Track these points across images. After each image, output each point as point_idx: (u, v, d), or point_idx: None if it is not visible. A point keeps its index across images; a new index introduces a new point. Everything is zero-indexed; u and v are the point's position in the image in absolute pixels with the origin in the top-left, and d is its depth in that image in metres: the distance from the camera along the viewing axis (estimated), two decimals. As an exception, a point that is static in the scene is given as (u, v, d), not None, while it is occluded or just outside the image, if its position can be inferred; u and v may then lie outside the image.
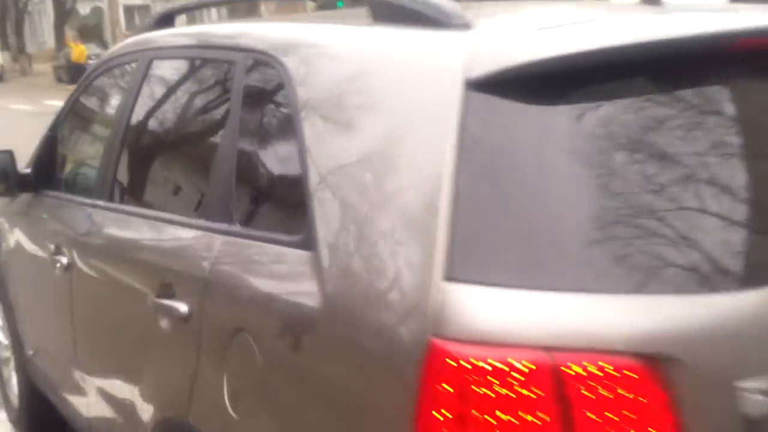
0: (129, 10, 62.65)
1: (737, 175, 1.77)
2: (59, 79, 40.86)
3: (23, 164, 3.96)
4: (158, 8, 38.69)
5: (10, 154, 3.74)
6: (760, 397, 1.56)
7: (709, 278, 1.66)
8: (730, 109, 1.84)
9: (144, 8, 58.85)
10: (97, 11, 60.54)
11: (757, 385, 1.56)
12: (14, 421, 4.56)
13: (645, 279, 1.61)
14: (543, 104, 1.69)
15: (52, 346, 3.76)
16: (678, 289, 1.61)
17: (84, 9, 57.91)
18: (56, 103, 26.59)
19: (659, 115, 1.76)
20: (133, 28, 59.80)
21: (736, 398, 1.56)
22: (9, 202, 4.24)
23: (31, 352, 4.09)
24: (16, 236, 4.15)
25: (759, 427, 1.57)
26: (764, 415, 1.56)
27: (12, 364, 4.48)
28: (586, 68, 1.71)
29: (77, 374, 3.37)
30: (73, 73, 35.61)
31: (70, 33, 44.45)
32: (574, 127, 1.68)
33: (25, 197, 3.98)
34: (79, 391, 3.40)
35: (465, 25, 1.85)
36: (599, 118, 1.71)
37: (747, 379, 1.57)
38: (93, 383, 3.24)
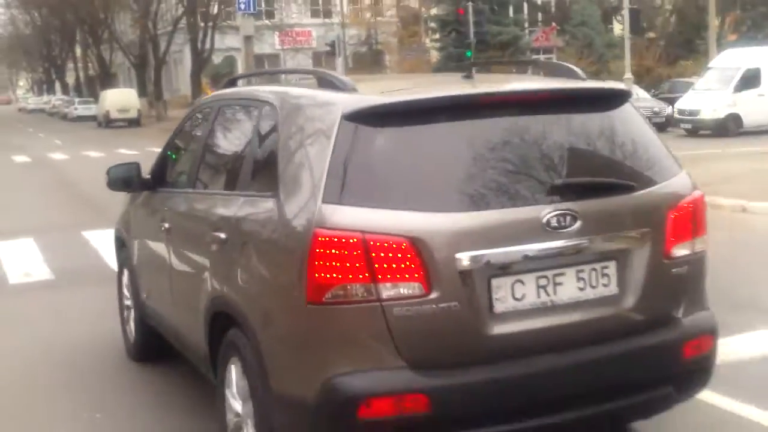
0: (259, 59, 64.79)
1: (490, 159, 3.75)
2: (193, 125, 42.44)
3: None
4: (287, 58, 39.94)
5: (137, 165, 6.11)
6: (466, 261, 3.54)
7: (451, 205, 3.60)
8: (482, 125, 3.86)
9: (274, 56, 60.67)
10: (229, 60, 62.77)
11: (464, 255, 3.53)
12: (131, 353, 6.78)
13: (410, 201, 3.56)
14: (375, 124, 3.69)
15: (156, 286, 5.95)
16: (428, 208, 3.55)
17: (217, 58, 60.12)
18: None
19: (446, 128, 3.79)
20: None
21: (454, 260, 3.53)
22: (133, 197, 6.54)
23: (144, 296, 6.28)
24: (138, 218, 6.41)
25: (465, 275, 3.53)
26: (466, 268, 3.53)
27: (132, 311, 6.66)
28: (397, 109, 3.78)
29: (168, 296, 5.56)
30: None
31: (205, 81, 46.42)
32: (395, 131, 3.72)
33: (144, 193, 6.20)
34: (169, 306, 5.59)
35: (353, 89, 3.97)
36: (406, 129, 3.74)
37: (461, 252, 3.53)
38: (178, 298, 5.37)
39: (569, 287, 3.82)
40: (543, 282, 3.77)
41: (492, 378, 3.63)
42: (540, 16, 47.78)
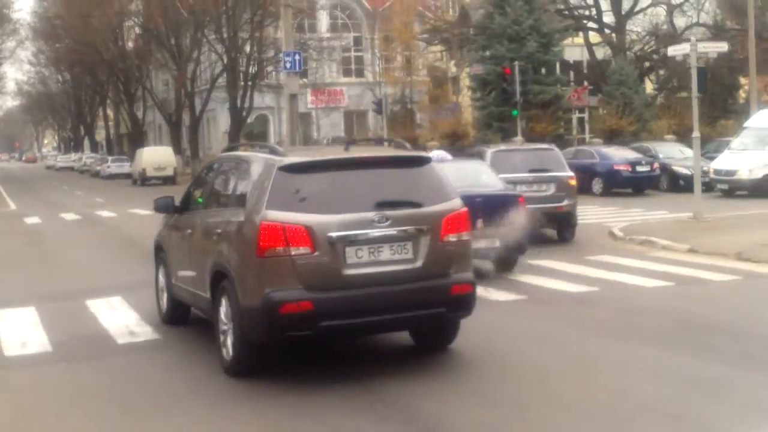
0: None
1: (349, 188, 7.86)
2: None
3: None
4: (321, 116, 39.86)
5: (172, 197, 10.28)
6: (332, 237, 7.43)
7: (326, 210, 7.55)
8: (346, 172, 7.98)
9: (307, 115, 60.93)
10: (262, 118, 63.23)
11: (332, 234, 7.43)
12: (163, 319, 10.45)
13: (306, 208, 7.55)
14: (294, 171, 7.78)
15: (180, 272, 9.65)
16: (315, 212, 7.51)
17: (250, 116, 60.58)
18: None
19: (327, 173, 7.95)
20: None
21: (326, 237, 7.43)
22: (167, 218, 10.51)
23: (173, 280, 9.97)
24: (169, 230, 10.34)
25: (332, 244, 7.47)
26: (332, 240, 7.44)
27: (165, 292, 10.38)
28: (314, 164, 8.03)
29: (189, 274, 9.30)
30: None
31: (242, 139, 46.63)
32: (300, 174, 7.79)
33: (176, 215, 10.13)
34: (189, 281, 9.25)
35: (284, 155, 8.03)
36: (305, 174, 7.82)
37: (329, 233, 7.43)
38: (194, 271, 9.09)
39: (386, 254, 7.70)
40: (371, 250, 7.65)
41: (343, 295, 7.50)
42: (572, 75, 47.76)
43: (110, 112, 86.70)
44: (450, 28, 50.45)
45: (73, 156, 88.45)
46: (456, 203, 8.11)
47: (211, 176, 9.68)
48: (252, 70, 49.84)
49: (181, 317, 10.22)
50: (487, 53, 41.07)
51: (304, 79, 55.06)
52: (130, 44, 66.34)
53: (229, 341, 8.00)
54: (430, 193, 8.03)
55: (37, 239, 22.00)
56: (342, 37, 62.58)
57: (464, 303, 8.09)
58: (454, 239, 7.95)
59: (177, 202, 10.12)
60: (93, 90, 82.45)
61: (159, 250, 10.73)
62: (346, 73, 65.84)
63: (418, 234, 7.75)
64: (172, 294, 10.10)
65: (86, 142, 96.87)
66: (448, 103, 55.82)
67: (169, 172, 49.43)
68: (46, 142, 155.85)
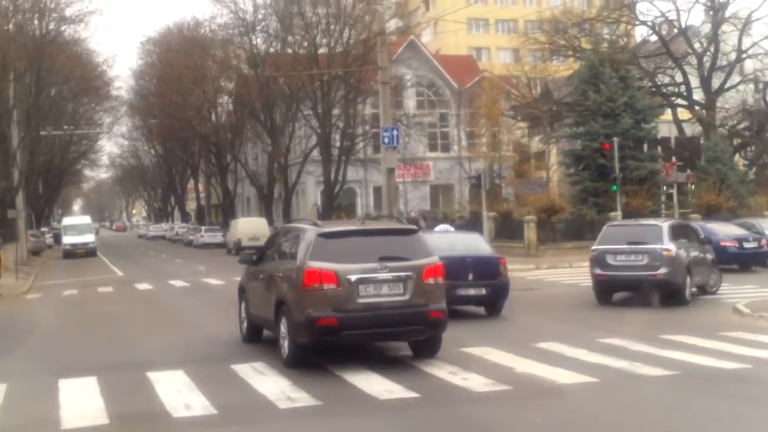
0: (378, 191, 66.07)
1: (363, 249, 12.24)
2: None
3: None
4: (409, 189, 40.06)
5: (251, 255, 16.87)
6: (352, 278, 11.79)
7: (348, 261, 11.89)
8: (361, 238, 12.56)
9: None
10: (349, 191, 64.13)
11: (351, 276, 11.78)
12: (244, 339, 14.94)
13: (335, 261, 11.84)
14: (327, 237, 12.24)
15: (256, 303, 14.20)
16: (341, 262, 11.85)
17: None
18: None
19: (349, 239, 12.47)
20: (379, 208, 63.16)
21: (347, 278, 11.74)
22: (248, 268, 15.16)
23: (251, 310, 14.53)
24: (248, 276, 14.94)
25: (351, 282, 11.76)
26: (351, 280, 11.79)
27: (245, 321, 14.98)
28: (339, 233, 12.61)
29: (261, 304, 13.81)
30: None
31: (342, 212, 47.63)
32: (331, 239, 12.25)
33: (253, 267, 14.82)
34: (261, 309, 13.82)
35: (321, 226, 12.65)
36: (334, 239, 12.32)
37: (349, 275, 11.80)
38: (265, 303, 13.58)
39: (384, 289, 11.84)
40: (376, 287, 11.80)
41: (357, 315, 11.68)
42: (659, 150, 47.59)
43: (201, 184, 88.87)
44: (538, 105, 50.91)
45: (164, 225, 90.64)
46: (434, 259, 12.39)
47: (277, 239, 14.44)
48: (345, 144, 50.82)
49: (256, 337, 14.75)
50: (581, 129, 41.35)
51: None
52: (224, 118, 68.28)
53: (286, 344, 12.42)
54: (416, 252, 12.36)
55: (157, 304, 22.73)
56: (429, 113, 63.44)
57: (437, 324, 12.35)
58: (431, 282, 12.22)
59: (254, 258, 15.06)
60: (185, 162, 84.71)
61: (242, 291, 15.40)
62: (432, 148, 66.57)
63: (407, 278, 11.98)
64: (250, 320, 14.74)
65: (176, 212, 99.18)
66: (532, 178, 56.07)
67: (263, 242, 50.23)
68: (134, 211, 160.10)
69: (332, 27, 50.51)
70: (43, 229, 69.15)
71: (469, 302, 18.01)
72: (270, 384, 11.12)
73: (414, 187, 62.51)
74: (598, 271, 19.33)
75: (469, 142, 62.66)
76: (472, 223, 42.17)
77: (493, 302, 17.98)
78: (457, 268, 16.90)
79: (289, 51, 53.03)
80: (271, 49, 54.81)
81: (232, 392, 10.78)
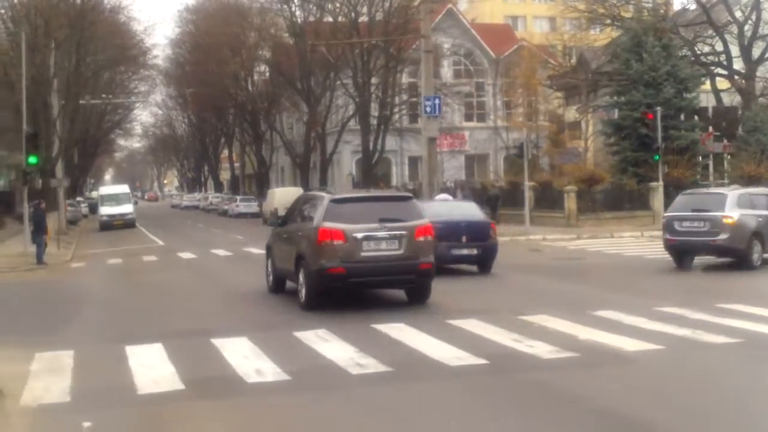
0: (413, 161, 65.96)
1: (366, 212, 15.08)
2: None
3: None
4: (445, 159, 39.95)
5: (277, 219, 19.79)
6: (358, 235, 14.55)
7: (354, 222, 14.79)
8: (365, 203, 15.81)
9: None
10: (384, 161, 64.02)
11: (357, 234, 14.60)
12: (270, 290, 17.64)
13: (344, 221, 14.62)
14: (337, 202, 15.11)
15: (280, 258, 16.94)
16: (349, 222, 14.71)
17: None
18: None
19: (356, 203, 15.64)
20: (414, 178, 63.05)
21: (353, 235, 14.55)
22: (273, 229, 18.40)
23: (276, 264, 17.22)
24: (274, 236, 17.90)
25: (356, 239, 14.50)
26: (356, 237, 14.54)
27: (270, 275, 17.86)
28: (347, 198, 15.78)
29: (285, 259, 16.45)
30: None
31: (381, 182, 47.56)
32: (341, 204, 15.18)
33: (278, 228, 17.87)
34: (284, 263, 16.46)
35: (334, 194, 16.01)
36: (344, 203, 15.24)
37: (355, 233, 14.66)
38: (287, 257, 16.21)
39: (383, 245, 14.56)
40: (376, 243, 14.51)
41: (360, 266, 14.46)
42: (696, 119, 46.93)
43: (234, 153, 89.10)
44: (576, 74, 50.47)
45: (198, 195, 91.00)
46: (425, 221, 15.12)
47: (298, 205, 17.18)
48: (384, 113, 50.70)
49: (280, 288, 17.36)
50: (622, 98, 40.97)
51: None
52: (260, 86, 68.29)
53: (303, 291, 15.05)
54: (410, 215, 15.05)
55: (205, 272, 22.92)
56: (468, 82, 63.11)
57: (426, 273, 14.96)
58: (422, 239, 14.85)
59: (280, 221, 18.05)
60: (219, 131, 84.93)
61: (268, 249, 18.17)
62: (468, 117, 66.27)
63: (401, 236, 14.64)
64: (275, 273, 17.49)
65: (209, 182, 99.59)
66: (567, 148, 55.77)
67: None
68: (166, 181, 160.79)
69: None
70: (79, 198, 69.49)
71: (462, 261, 20.70)
72: (336, 350, 11.16)
73: (450, 157, 62.29)
74: (668, 236, 20.61)
75: (506, 111, 62.34)
76: (510, 193, 42.10)
77: (484, 261, 20.66)
78: (452, 231, 20.07)
79: (329, 19, 52.88)
80: (311, 18, 54.62)
81: (300, 358, 10.83)
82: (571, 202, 36.54)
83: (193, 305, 16.87)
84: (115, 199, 53.37)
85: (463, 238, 20.33)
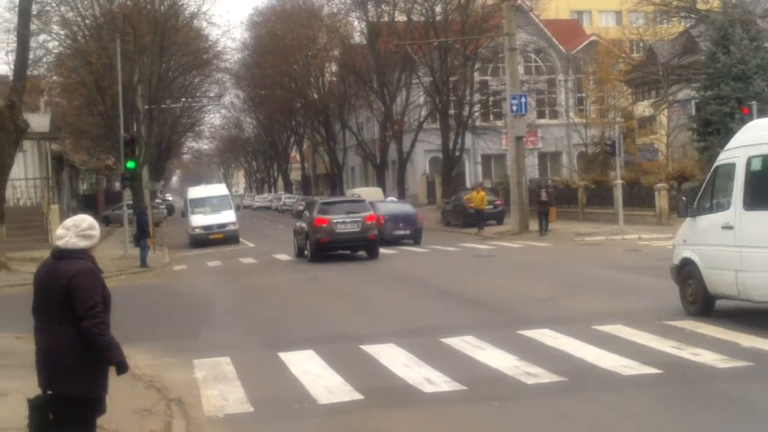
0: (486, 158, 65.72)
1: (343, 210, 28.13)
2: (447, 223, 43.05)
3: None
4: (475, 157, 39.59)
5: (299, 213, 41.56)
6: (334, 221, 27.19)
7: (331, 215, 27.45)
8: (343, 203, 30.10)
9: (501, 156, 61.13)
10: (458, 160, 63.86)
11: (334, 221, 27.16)
12: (295, 255, 29.51)
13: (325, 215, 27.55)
14: (324, 204, 28.97)
15: (299, 236, 29.74)
16: (331, 215, 27.54)
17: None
18: (470, 246, 27.86)
19: (335, 205, 29.20)
20: (489, 176, 62.83)
21: (331, 222, 26.98)
22: (296, 220, 36.83)
23: (297, 241, 30.13)
24: (296, 225, 31.59)
25: (334, 225, 26.93)
26: (334, 222, 27.17)
27: (296, 246, 30.36)
28: (328, 202, 30.36)
29: (301, 238, 29.52)
30: (474, 217, 37.41)
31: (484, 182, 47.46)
32: (327, 205, 28.66)
33: (301, 218, 31.99)
34: (301, 238, 29.48)
35: (323, 199, 32.69)
36: (329, 205, 29.02)
37: (332, 223, 27.19)
38: (302, 234, 29.30)
39: (349, 227, 26.90)
40: (344, 225, 26.83)
41: (336, 237, 26.90)
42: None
43: (304, 153, 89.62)
44: (651, 69, 49.81)
45: (269, 196, 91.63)
46: (371, 212, 27.78)
47: (307, 206, 30.42)
48: (461, 113, 50.59)
49: (300, 254, 28.28)
50: (709, 93, 40.28)
51: (498, 122, 55.54)
52: (329, 87, 68.60)
53: (308, 252, 27.36)
54: (363, 209, 27.62)
55: (310, 275, 23.00)
56: (542, 80, 62.70)
57: (373, 241, 27.11)
58: (369, 223, 26.95)
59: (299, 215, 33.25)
60: (290, 131, 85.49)
61: (294, 232, 30.13)
62: (540, 114, 65.79)
63: (358, 221, 26.70)
64: (297, 246, 29.29)
65: (278, 183, 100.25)
66: (642, 144, 55.17)
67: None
68: (233, 183, 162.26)
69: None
70: (157, 200, 70.50)
71: (400, 238, 32.75)
72: (496, 359, 11.09)
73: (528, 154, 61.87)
74: None
75: (578, 108, 61.78)
76: (595, 191, 41.64)
77: (415, 238, 33.04)
78: (395, 220, 32.90)
79: (402, 18, 52.93)
80: (385, 17, 54.72)
81: (464, 367, 10.78)
82: (662, 200, 35.99)
83: (319, 309, 16.93)
84: (210, 203, 40.06)
85: (400, 224, 33.02)
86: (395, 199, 40.20)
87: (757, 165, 12.55)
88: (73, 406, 6.09)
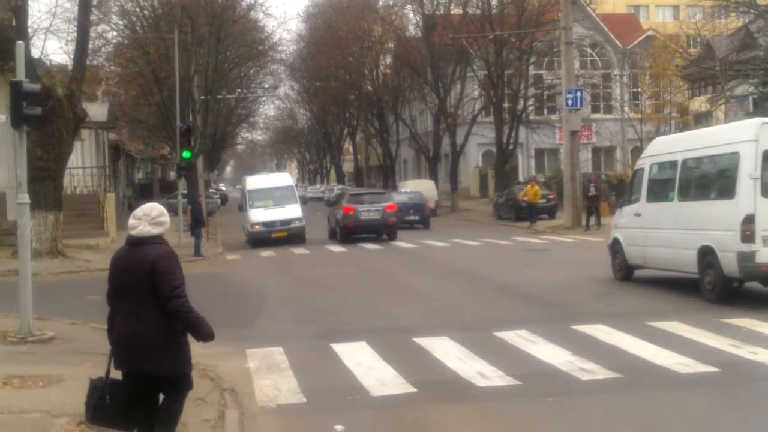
0: (540, 152, 65.35)
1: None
2: (499, 217, 42.93)
3: None
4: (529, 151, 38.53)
5: (332, 202, 52.80)
6: (359, 210, 32.59)
7: (360, 203, 33.13)
8: (365, 195, 35.35)
9: (555, 151, 60.75)
10: (511, 154, 63.57)
11: (359, 209, 32.78)
12: (329, 236, 35.47)
13: None
14: (352, 195, 36.29)
15: (332, 221, 35.98)
16: (356, 204, 33.43)
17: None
18: (524, 240, 27.73)
19: (361, 197, 34.91)
20: (542, 170, 62.39)
21: (357, 210, 32.91)
22: (329, 209, 43.86)
23: (330, 225, 36.15)
24: (329, 212, 40.56)
25: (359, 213, 32.40)
26: (359, 211, 32.79)
27: (329, 228, 36.41)
28: (356, 192, 39.72)
29: (333, 222, 36.00)
30: (527, 211, 37.28)
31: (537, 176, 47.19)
32: (353, 196, 35.47)
33: (330, 207, 43.90)
34: (332, 224, 36.16)
35: (351, 191, 47.15)
36: (355, 196, 35.63)
37: (358, 210, 32.81)
38: (334, 221, 35.88)
39: (372, 215, 32.31)
40: (367, 213, 32.27)
41: (360, 223, 32.07)
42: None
43: (357, 145, 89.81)
44: (709, 64, 49.03)
45: (321, 187, 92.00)
46: (392, 203, 33.06)
47: (338, 196, 43.08)
48: (518, 107, 50.32)
49: (333, 237, 34.46)
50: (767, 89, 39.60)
51: (552, 116, 55.14)
52: (383, 78, 68.62)
53: (338, 235, 33.05)
54: (384, 199, 33.15)
55: (363, 267, 23.03)
56: (597, 75, 62.11)
57: (394, 227, 32.28)
58: (389, 211, 32.11)
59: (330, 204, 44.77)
60: (343, 123, 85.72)
61: (328, 219, 36.74)
62: (595, 109, 65.15)
63: (379, 209, 31.96)
64: (330, 228, 35.23)
65: (331, 174, 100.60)
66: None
67: (432, 205, 50.43)
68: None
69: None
70: (211, 189, 71.17)
71: (410, 222, 38.13)
72: (550, 353, 10.99)
73: (582, 148, 61.34)
74: None
75: (633, 102, 61.04)
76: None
77: (423, 222, 39.33)
78: (406, 207, 38.17)
79: (457, 11, 52.73)
80: (441, 10, 54.58)
81: (517, 361, 10.71)
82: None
83: (372, 301, 16.95)
84: (272, 195, 34.89)
85: (411, 211, 38.87)
86: (407, 190, 44.92)
87: (655, 170, 17.30)
88: (162, 384, 6.45)
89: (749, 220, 13.80)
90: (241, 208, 36.33)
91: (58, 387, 9.67)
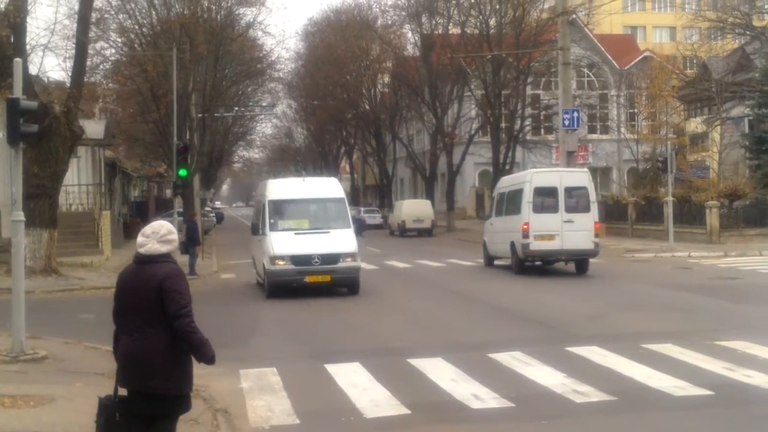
0: (536, 173, 65.25)
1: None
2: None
3: None
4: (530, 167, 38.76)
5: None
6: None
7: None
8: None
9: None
10: (508, 174, 63.63)
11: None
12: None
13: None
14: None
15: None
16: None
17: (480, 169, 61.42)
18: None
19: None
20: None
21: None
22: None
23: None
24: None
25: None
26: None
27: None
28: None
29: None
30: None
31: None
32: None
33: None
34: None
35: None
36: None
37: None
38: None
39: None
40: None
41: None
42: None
43: (354, 164, 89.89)
44: (705, 85, 49.24)
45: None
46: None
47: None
48: (515, 126, 50.44)
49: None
50: (764, 110, 39.82)
51: (549, 136, 55.22)
52: (380, 98, 68.79)
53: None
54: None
55: (363, 287, 22.95)
56: (594, 95, 62.32)
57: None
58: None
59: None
60: (340, 141, 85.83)
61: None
62: (591, 129, 65.31)
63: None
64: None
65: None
66: (694, 161, 54.60)
67: (427, 224, 50.59)
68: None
69: (504, 6, 49.97)
70: (207, 208, 71.09)
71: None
72: (544, 375, 10.97)
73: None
74: None
75: (630, 123, 61.20)
76: (645, 208, 41.15)
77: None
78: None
79: (456, 31, 52.90)
80: (439, 30, 54.75)
81: (511, 383, 10.68)
82: (713, 218, 35.48)
83: (367, 321, 16.92)
84: (306, 213, 22.91)
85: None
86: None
87: (497, 197, 28.66)
88: (162, 403, 6.35)
89: (526, 226, 24.47)
90: (255, 230, 23.51)
91: (49, 407, 9.61)
